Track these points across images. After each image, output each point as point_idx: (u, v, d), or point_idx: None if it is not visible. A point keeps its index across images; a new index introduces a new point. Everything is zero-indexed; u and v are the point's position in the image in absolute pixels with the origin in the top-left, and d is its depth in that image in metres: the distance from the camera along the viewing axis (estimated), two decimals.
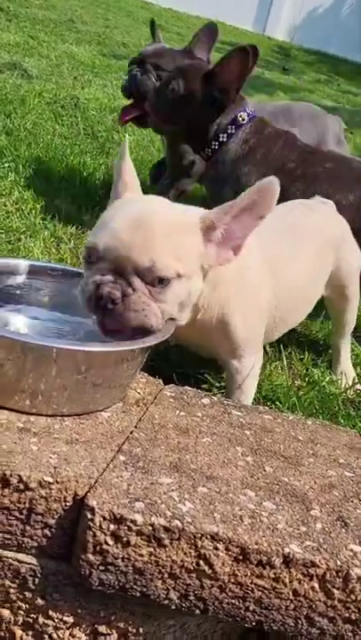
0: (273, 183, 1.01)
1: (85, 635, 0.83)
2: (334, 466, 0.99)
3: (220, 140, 1.75)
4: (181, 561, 0.76)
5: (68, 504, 0.79)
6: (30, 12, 6.04)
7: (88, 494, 0.78)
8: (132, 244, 0.96)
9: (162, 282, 0.98)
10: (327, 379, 1.56)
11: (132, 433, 0.94)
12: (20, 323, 1.09)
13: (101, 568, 0.77)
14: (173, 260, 0.98)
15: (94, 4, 8.29)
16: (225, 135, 1.75)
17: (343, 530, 0.83)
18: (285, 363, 1.59)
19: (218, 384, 1.44)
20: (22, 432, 0.87)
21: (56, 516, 0.79)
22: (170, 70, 1.98)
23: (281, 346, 1.59)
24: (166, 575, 0.76)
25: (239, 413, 1.09)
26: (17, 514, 0.79)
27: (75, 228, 2.03)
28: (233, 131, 1.74)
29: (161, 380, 1.14)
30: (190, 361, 1.45)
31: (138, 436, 0.94)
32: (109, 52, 5.26)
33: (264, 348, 1.44)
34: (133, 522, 0.75)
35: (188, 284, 1.03)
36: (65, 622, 0.82)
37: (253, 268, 1.17)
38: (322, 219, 1.40)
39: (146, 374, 1.14)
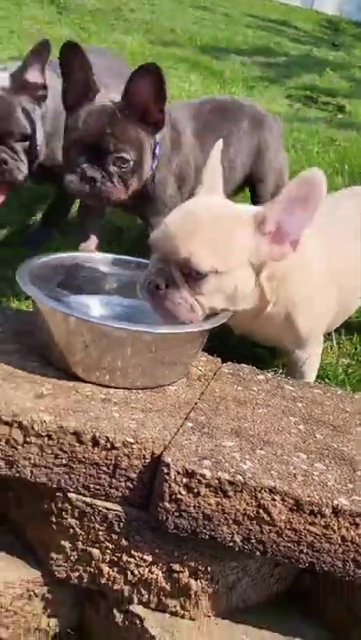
0: (319, 174, 1.03)
1: (162, 572, 0.98)
2: None
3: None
4: (244, 510, 0.89)
5: (146, 461, 0.93)
6: (79, 2, 6.18)
7: (163, 453, 0.92)
8: (175, 238, 1.04)
9: (199, 275, 1.05)
10: None
11: (196, 404, 1.08)
12: (99, 308, 1.24)
13: (176, 514, 0.91)
14: (211, 254, 1.03)
15: None
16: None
17: None
18: (335, 343, 1.69)
19: (273, 364, 1.55)
20: (105, 402, 1.02)
21: (137, 471, 0.94)
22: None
23: (340, 331, 1.68)
24: (231, 521, 0.90)
25: (291, 388, 1.21)
26: (105, 469, 0.95)
27: None
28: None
29: (220, 359, 1.27)
30: (245, 343, 1.56)
31: (202, 407, 1.07)
32: (157, 39, 5.34)
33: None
34: (202, 476, 0.89)
35: (230, 278, 1.07)
36: (144, 560, 0.98)
37: (318, 265, 1.21)
38: None
39: (206, 353, 1.27)
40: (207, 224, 1.06)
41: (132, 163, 1.36)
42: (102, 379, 1.05)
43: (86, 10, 5.93)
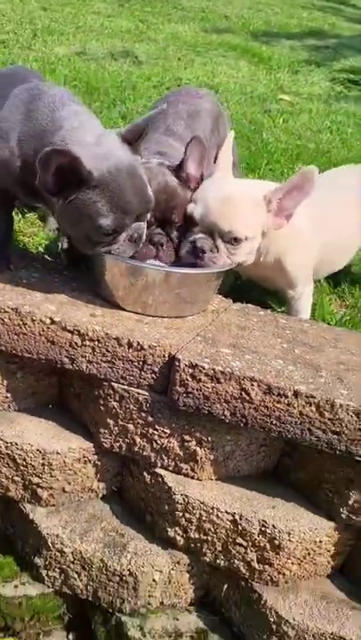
0: (313, 170, 1.42)
1: (177, 441, 1.38)
2: (346, 353, 1.44)
3: None
4: (231, 392, 1.27)
5: (165, 359, 1.32)
6: None
7: (177, 353, 1.31)
8: (219, 215, 1.42)
9: (237, 241, 1.45)
10: None
11: (206, 327, 1.45)
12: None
13: (184, 395, 1.30)
14: (245, 227, 1.44)
15: None
16: None
17: (339, 384, 1.29)
18: (339, 295, 2.01)
19: (279, 309, 1.90)
20: (137, 322, 1.42)
21: (158, 366, 1.33)
22: None
23: (339, 282, 2.01)
24: (222, 400, 1.28)
25: (284, 321, 1.56)
26: (136, 364, 1.35)
27: None
28: None
29: (231, 300, 1.64)
30: (258, 293, 1.92)
31: (210, 329, 1.45)
32: (211, 26, 5.61)
33: (321, 282, 1.87)
34: (202, 367, 1.27)
35: (253, 242, 1.48)
36: (164, 432, 1.38)
37: (299, 226, 1.56)
38: (359, 180, 1.78)
39: (220, 296, 1.63)
40: (241, 204, 1.45)
41: None
42: (136, 309, 1.43)
43: (146, 1, 6.26)
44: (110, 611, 1.51)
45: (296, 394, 1.24)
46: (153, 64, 4.15)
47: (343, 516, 1.34)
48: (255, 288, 1.86)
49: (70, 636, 1.62)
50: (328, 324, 1.87)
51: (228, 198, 1.45)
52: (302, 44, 5.38)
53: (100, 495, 1.56)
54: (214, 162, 1.62)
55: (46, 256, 1.71)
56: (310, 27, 6.16)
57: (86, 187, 1.23)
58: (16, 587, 1.55)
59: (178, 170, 1.46)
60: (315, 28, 6.08)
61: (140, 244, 1.35)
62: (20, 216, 2.12)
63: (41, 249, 2.01)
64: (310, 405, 1.24)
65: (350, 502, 1.32)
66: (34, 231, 2.10)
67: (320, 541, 1.37)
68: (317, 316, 1.87)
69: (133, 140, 1.30)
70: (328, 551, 1.40)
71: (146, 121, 1.32)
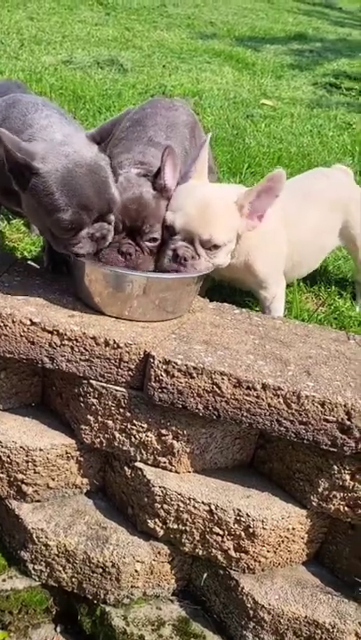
0: (281, 173, 1.49)
1: (154, 435, 1.44)
2: (316, 348, 1.50)
3: None
4: (203, 386, 1.33)
5: (141, 356, 1.38)
6: (126, 1, 6.62)
7: (152, 350, 1.37)
8: (198, 225, 1.47)
9: (216, 247, 1.51)
10: (347, 305, 2.02)
11: (181, 325, 1.51)
12: None
13: (159, 390, 1.36)
14: (223, 234, 1.50)
15: None
16: None
17: (306, 376, 1.35)
18: (315, 294, 2.07)
19: (256, 308, 1.96)
20: (115, 321, 1.47)
21: (135, 363, 1.39)
22: None
23: (316, 282, 2.07)
24: (195, 394, 1.34)
25: (258, 319, 1.62)
26: (113, 362, 1.40)
27: None
28: None
29: (208, 299, 1.69)
30: (235, 295, 1.98)
31: (185, 327, 1.51)
32: (197, 33, 5.71)
33: (297, 282, 1.94)
34: (175, 363, 1.33)
35: (230, 245, 1.54)
36: (142, 427, 1.43)
37: (266, 227, 1.61)
38: (332, 183, 1.84)
39: (199, 297, 1.69)
40: (218, 211, 1.51)
41: None
42: (115, 312, 1.49)
43: (133, 8, 6.35)
44: (95, 602, 1.56)
45: (264, 386, 1.30)
46: (138, 71, 4.23)
47: (314, 503, 1.39)
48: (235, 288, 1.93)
49: (58, 629, 1.67)
50: (303, 321, 1.94)
51: (205, 206, 1.50)
52: (287, 49, 5.48)
53: (84, 491, 1.62)
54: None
55: (30, 261, 1.77)
56: (295, 31, 6.27)
57: (37, 175, 1.26)
58: (4, 580, 1.60)
59: (155, 179, 1.50)
60: (299, 33, 6.18)
61: (104, 244, 1.38)
62: (6, 222, 2.18)
63: (26, 254, 2.07)
64: (278, 397, 1.30)
65: (320, 490, 1.38)
66: (19, 237, 2.16)
67: (293, 528, 1.42)
68: (293, 315, 1.93)
69: (102, 140, 1.35)
70: (302, 538, 1.46)
71: (112, 123, 1.37)
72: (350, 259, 2.22)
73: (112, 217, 1.37)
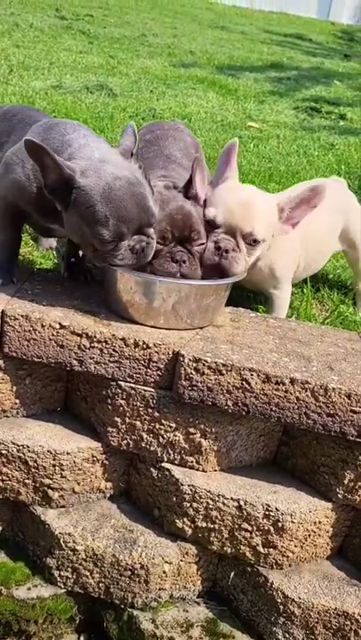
0: (323, 186, 1.56)
1: (182, 435, 1.47)
2: (333, 346, 1.56)
3: None
4: (233, 383, 1.37)
5: (170, 356, 1.42)
6: (108, 31, 6.80)
7: (181, 349, 1.41)
8: (241, 217, 1.53)
9: (256, 242, 1.57)
10: (350, 310, 2.11)
11: (204, 327, 1.56)
12: None
13: (189, 388, 1.40)
14: (264, 230, 1.56)
15: (163, 13, 8.98)
16: None
17: (329, 371, 1.41)
18: (319, 300, 2.15)
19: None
20: (140, 324, 1.51)
21: (164, 363, 1.43)
22: None
23: (318, 289, 2.15)
24: (225, 391, 1.38)
25: (273, 321, 1.68)
26: (142, 362, 1.44)
27: None
28: None
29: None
30: (247, 301, 2.04)
31: (208, 329, 1.55)
32: (178, 61, 5.90)
33: (304, 288, 2.01)
34: (205, 361, 1.38)
35: (265, 245, 1.61)
36: (170, 427, 1.46)
37: (290, 236, 1.72)
38: (332, 188, 1.94)
39: None
40: (260, 208, 1.58)
41: None
42: (159, 322, 1.49)
43: (114, 38, 6.53)
44: (122, 607, 1.56)
45: (292, 381, 1.35)
46: (127, 96, 4.35)
47: (340, 495, 1.44)
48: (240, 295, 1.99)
49: (81, 639, 1.66)
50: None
51: (248, 202, 1.57)
52: (265, 76, 5.70)
53: (108, 495, 1.63)
54: None
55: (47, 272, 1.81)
56: (271, 60, 6.52)
57: (78, 189, 1.32)
58: (29, 589, 1.59)
59: (186, 189, 1.56)
60: (275, 62, 6.43)
61: (145, 258, 1.41)
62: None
63: (36, 267, 2.10)
64: (306, 391, 1.35)
65: (346, 482, 1.42)
66: (28, 250, 2.19)
67: (319, 522, 1.46)
68: (301, 318, 2.00)
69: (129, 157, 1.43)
70: (327, 532, 1.49)
71: (132, 143, 1.45)
72: (348, 266, 2.32)
73: (151, 230, 1.40)
